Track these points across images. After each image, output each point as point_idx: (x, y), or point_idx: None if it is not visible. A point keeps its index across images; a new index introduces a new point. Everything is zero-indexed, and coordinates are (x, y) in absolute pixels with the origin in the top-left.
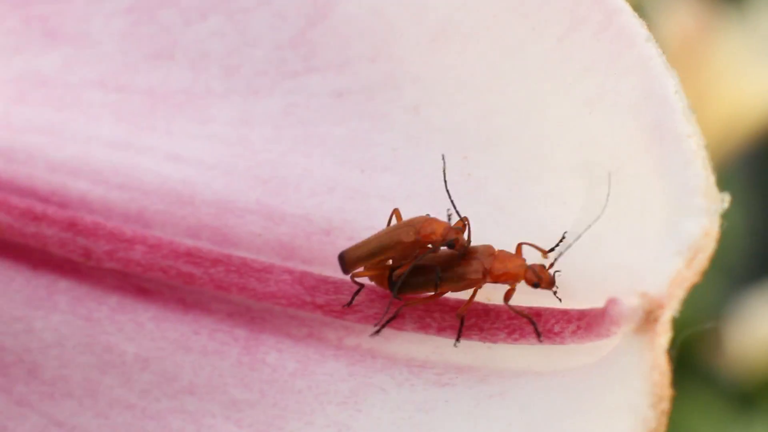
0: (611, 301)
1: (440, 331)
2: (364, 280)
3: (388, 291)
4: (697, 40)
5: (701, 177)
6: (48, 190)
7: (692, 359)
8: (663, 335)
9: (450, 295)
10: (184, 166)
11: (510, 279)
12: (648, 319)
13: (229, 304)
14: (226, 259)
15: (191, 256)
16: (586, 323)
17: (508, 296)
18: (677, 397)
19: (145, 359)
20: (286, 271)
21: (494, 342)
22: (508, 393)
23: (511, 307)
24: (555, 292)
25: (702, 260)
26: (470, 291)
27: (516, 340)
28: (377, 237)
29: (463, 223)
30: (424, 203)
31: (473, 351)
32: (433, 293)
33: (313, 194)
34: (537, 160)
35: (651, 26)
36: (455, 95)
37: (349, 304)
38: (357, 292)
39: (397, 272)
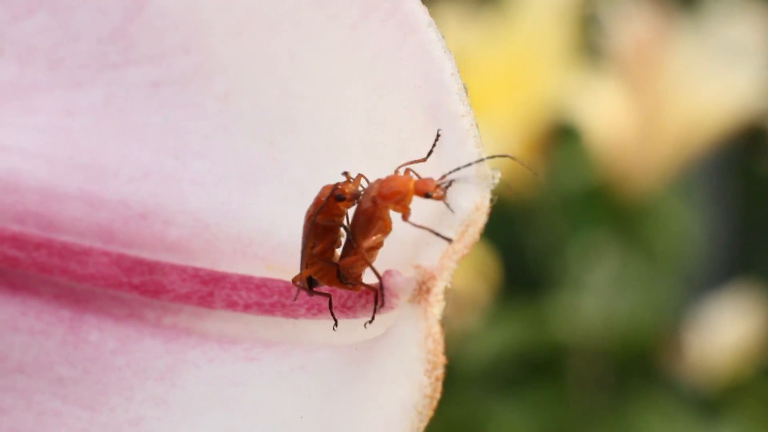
0: (387, 273)
1: (246, 308)
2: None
3: (335, 283)
4: (653, 47)
5: (473, 154)
6: None
7: (654, 366)
8: (436, 305)
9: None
10: (10, 156)
11: (401, 196)
12: (421, 290)
13: (54, 286)
14: (48, 243)
15: (15, 240)
16: (373, 296)
17: (405, 219)
18: (640, 404)
19: None
20: (104, 253)
21: (296, 318)
22: (308, 365)
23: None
24: (447, 205)
25: (473, 234)
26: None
27: (315, 315)
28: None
29: (352, 178)
30: (234, 187)
31: (280, 327)
32: (359, 254)
33: (130, 180)
34: (334, 143)
35: (606, 35)
36: (261, 83)
37: (294, 299)
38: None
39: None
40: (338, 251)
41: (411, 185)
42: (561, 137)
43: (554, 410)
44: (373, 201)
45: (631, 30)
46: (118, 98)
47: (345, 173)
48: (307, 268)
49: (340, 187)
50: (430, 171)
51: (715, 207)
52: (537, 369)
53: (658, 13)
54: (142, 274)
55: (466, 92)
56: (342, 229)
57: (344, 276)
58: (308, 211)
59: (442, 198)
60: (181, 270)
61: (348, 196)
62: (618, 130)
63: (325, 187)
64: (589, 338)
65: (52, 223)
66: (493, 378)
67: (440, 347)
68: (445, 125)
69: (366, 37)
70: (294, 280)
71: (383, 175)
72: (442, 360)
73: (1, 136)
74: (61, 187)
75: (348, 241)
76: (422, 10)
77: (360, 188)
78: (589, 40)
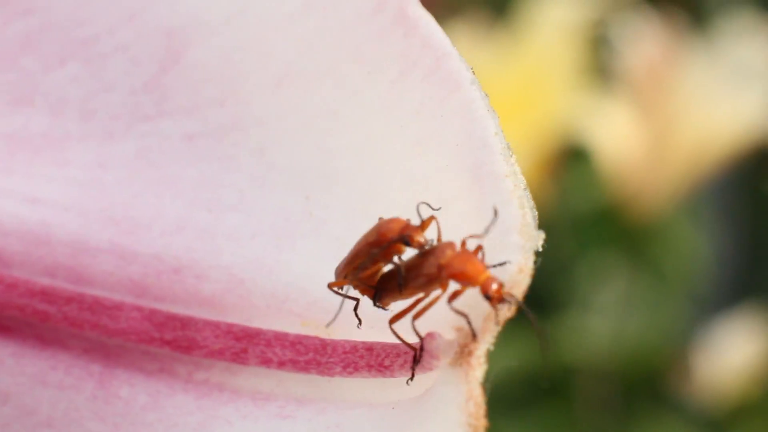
0: (429, 336)
1: (281, 365)
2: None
3: (370, 298)
4: (663, 68)
5: (517, 216)
6: None
7: (662, 387)
8: (478, 368)
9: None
10: (41, 208)
11: (466, 280)
12: (463, 352)
13: (84, 340)
14: (79, 297)
15: (46, 294)
16: (412, 356)
17: (453, 297)
18: (648, 425)
19: (5, 394)
20: (135, 308)
21: (331, 375)
22: (343, 424)
23: (348, 342)
24: (495, 307)
25: (517, 295)
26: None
27: (351, 373)
28: (354, 245)
29: (426, 221)
30: (269, 241)
31: (314, 384)
32: (403, 296)
33: (163, 234)
34: (372, 200)
35: (617, 56)
36: (298, 137)
37: (332, 322)
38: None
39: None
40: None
41: (482, 279)
42: (571, 158)
43: (561, 431)
44: (439, 269)
45: (642, 51)
46: (152, 150)
47: (417, 209)
48: (344, 279)
49: (409, 232)
50: (476, 230)
51: (724, 228)
52: (544, 389)
53: (669, 35)
54: (174, 330)
55: (510, 152)
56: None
57: (378, 299)
58: (368, 238)
59: (495, 303)
60: (215, 326)
61: (415, 245)
62: (628, 151)
63: (392, 221)
64: (597, 359)
65: (83, 277)
66: (501, 398)
67: (481, 410)
68: (489, 186)
69: (407, 93)
70: (330, 285)
71: (456, 240)
72: (483, 423)
73: (33, 188)
74: (92, 241)
75: (395, 276)
76: (465, 68)
77: (427, 239)
78: (600, 61)
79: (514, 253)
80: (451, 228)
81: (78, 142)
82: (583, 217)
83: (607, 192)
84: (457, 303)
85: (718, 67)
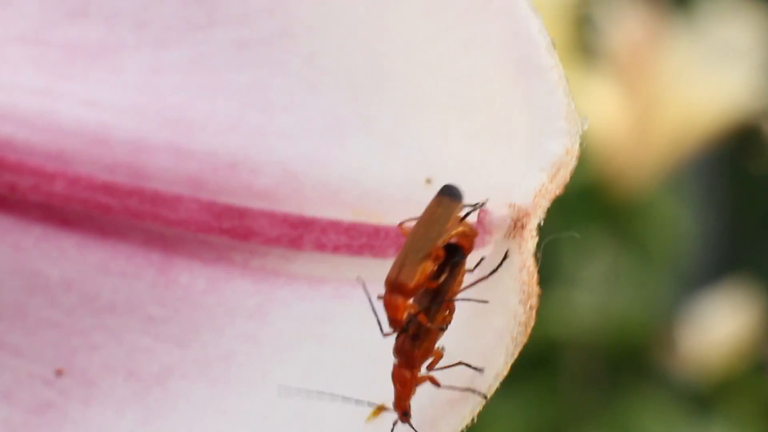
0: (483, 212)
1: (335, 250)
2: None
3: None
4: (647, 47)
5: (562, 103)
6: None
7: (647, 362)
8: (530, 241)
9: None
10: (99, 110)
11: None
12: (516, 226)
13: (144, 231)
14: (139, 190)
15: (108, 188)
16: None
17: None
18: (633, 400)
19: (69, 282)
20: (194, 200)
21: (384, 258)
22: None
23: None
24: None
25: (564, 175)
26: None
27: None
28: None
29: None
30: (320, 138)
31: (367, 267)
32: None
33: (217, 133)
34: (421, 98)
35: (601, 35)
36: (345, 42)
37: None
38: None
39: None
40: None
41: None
42: None
43: (547, 405)
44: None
45: (626, 30)
46: (205, 57)
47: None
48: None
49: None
50: (523, 120)
51: (708, 204)
52: (530, 364)
53: (653, 13)
54: (232, 219)
55: (554, 47)
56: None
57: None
58: (439, 233)
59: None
60: (270, 215)
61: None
62: (612, 128)
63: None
64: (583, 334)
65: (142, 173)
66: None
67: (534, 279)
68: (535, 77)
69: None
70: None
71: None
72: (536, 290)
73: (91, 92)
74: (149, 140)
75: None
76: None
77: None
78: (584, 40)
79: (560, 137)
80: (495, 121)
81: (133, 50)
82: (568, 193)
83: (592, 169)
84: (504, 181)
85: (701, 46)
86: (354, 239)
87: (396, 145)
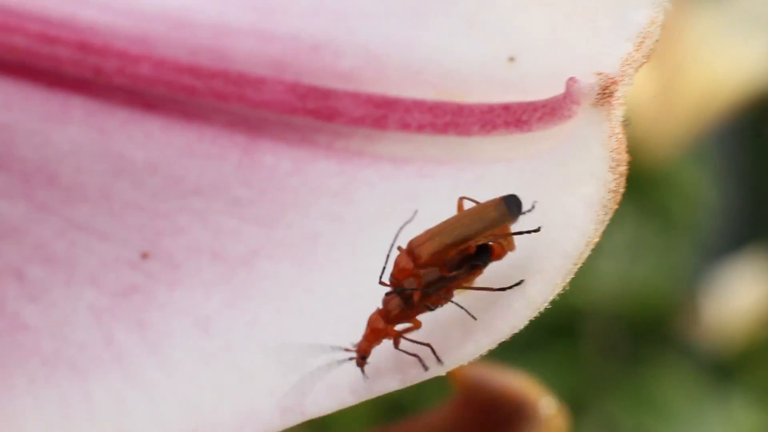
0: (571, 80)
1: (419, 129)
2: None
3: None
4: (671, 17)
5: None
6: (60, 17)
7: (669, 331)
8: (618, 109)
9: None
10: None
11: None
12: (604, 94)
13: (228, 114)
14: (224, 72)
15: (192, 70)
16: (550, 108)
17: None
18: (655, 369)
19: (154, 165)
20: (278, 81)
21: (469, 136)
22: (484, 178)
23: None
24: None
25: (649, 45)
26: None
27: (489, 132)
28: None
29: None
30: (401, 20)
31: (451, 146)
32: None
33: (299, 16)
34: None
35: None
36: None
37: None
38: None
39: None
40: None
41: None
42: None
43: (568, 373)
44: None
45: None
46: None
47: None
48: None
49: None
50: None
51: (730, 174)
52: (553, 333)
53: None
54: (316, 100)
55: None
56: None
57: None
58: (480, 230)
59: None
60: (354, 95)
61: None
62: (636, 98)
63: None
64: (605, 302)
65: (225, 56)
66: (508, 341)
67: (623, 146)
68: None
69: None
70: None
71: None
72: (625, 158)
73: None
74: (232, 23)
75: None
76: None
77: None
78: None
79: (644, 8)
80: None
81: None
82: None
83: None
84: (590, 51)
85: (725, 16)
86: (438, 117)
87: (478, 23)
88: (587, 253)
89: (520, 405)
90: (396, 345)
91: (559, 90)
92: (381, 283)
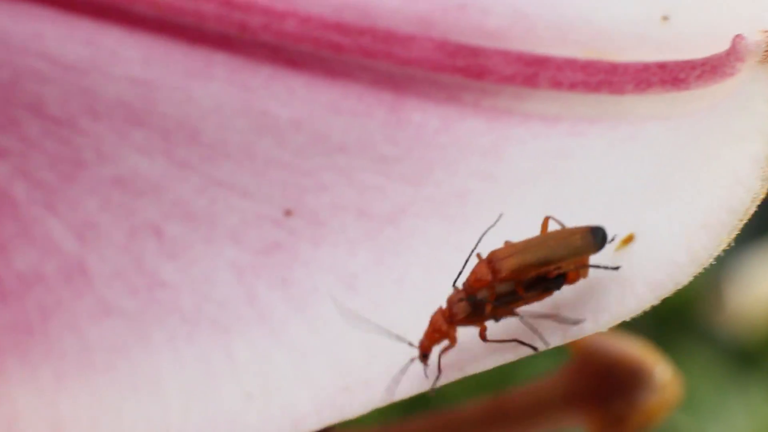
0: (738, 37)
1: (571, 87)
2: None
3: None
4: None
5: None
6: None
7: (692, 318)
8: None
9: None
10: None
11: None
12: None
13: (374, 72)
14: (371, 29)
15: (340, 27)
16: (710, 66)
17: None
18: (676, 356)
19: (298, 122)
20: (427, 39)
21: (622, 94)
22: (638, 135)
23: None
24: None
25: None
26: None
27: (643, 90)
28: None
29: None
30: None
31: (602, 105)
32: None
33: None
34: None
35: None
36: None
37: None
38: None
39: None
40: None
41: None
42: None
43: None
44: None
45: None
46: None
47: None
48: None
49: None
50: None
51: None
52: None
53: None
54: (465, 58)
55: None
56: None
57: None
58: (563, 257)
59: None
60: (505, 53)
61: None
62: None
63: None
64: None
65: (369, 14)
66: None
67: None
68: None
69: None
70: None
71: None
72: None
73: None
74: None
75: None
76: None
77: None
78: None
79: None
80: None
81: None
82: None
83: None
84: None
85: None
86: (591, 76)
87: None
88: (752, 209)
89: (636, 371)
90: (482, 337)
91: (713, 49)
92: (453, 284)
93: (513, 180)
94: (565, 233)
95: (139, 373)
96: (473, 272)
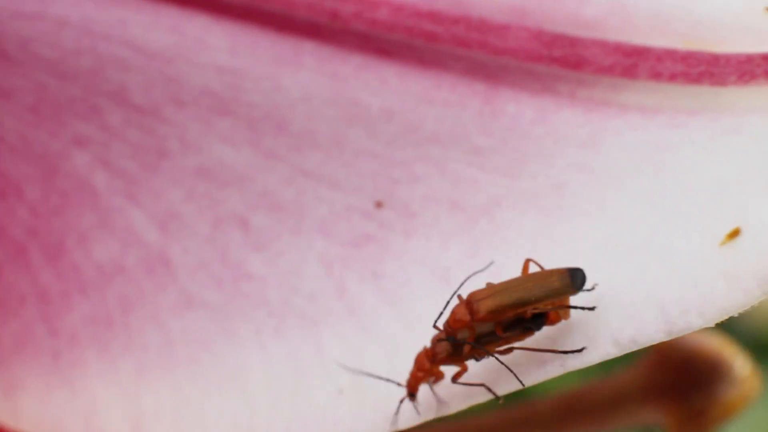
0: None
1: (671, 78)
2: None
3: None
4: None
5: None
6: None
7: None
8: None
9: None
10: None
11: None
12: None
13: (466, 61)
14: (466, 17)
15: (433, 15)
16: None
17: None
18: None
19: (389, 112)
20: (522, 28)
21: (724, 86)
22: (742, 128)
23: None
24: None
25: None
26: None
27: (746, 82)
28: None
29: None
30: None
31: (702, 97)
32: None
33: None
34: None
35: None
36: None
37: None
38: None
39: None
40: None
41: None
42: None
43: None
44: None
45: None
46: None
47: None
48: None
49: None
50: None
51: None
52: None
53: None
54: (562, 48)
55: None
56: None
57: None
58: (540, 298)
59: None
60: (603, 44)
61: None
62: None
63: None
64: None
65: (464, 3)
66: None
67: None
68: None
69: None
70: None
71: None
72: None
73: None
74: None
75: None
76: None
77: None
78: None
79: None
80: None
81: None
82: None
83: None
84: None
85: None
86: (692, 67)
87: None
88: None
89: (715, 365)
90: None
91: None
92: (434, 325)
93: (611, 172)
94: (543, 275)
95: (224, 367)
96: (452, 312)
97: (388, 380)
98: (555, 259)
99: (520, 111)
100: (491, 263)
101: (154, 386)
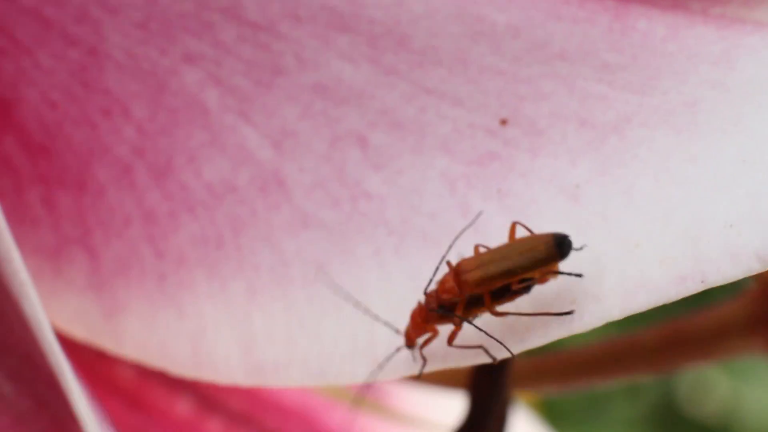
0: None
1: None
2: None
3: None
4: None
5: None
6: None
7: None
8: None
9: None
10: None
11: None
12: None
13: None
14: None
15: None
16: None
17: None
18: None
19: (516, 28)
20: None
21: None
22: None
23: None
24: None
25: None
26: None
27: None
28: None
29: None
30: None
31: None
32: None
33: None
34: None
35: None
36: None
37: None
38: None
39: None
40: None
41: None
42: None
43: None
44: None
45: None
46: None
47: None
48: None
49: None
50: None
51: None
52: None
53: None
54: None
55: None
56: None
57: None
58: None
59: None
60: None
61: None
62: None
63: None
64: None
65: None
66: None
67: None
68: None
69: None
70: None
71: None
72: None
73: None
74: None
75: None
76: None
77: None
78: None
79: None
80: None
81: None
82: None
83: None
84: None
85: None
86: None
87: None
88: None
89: None
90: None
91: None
92: (425, 289)
93: (746, 89)
94: (529, 242)
95: (342, 288)
96: (441, 282)
97: (386, 324)
98: (692, 180)
99: (652, 27)
100: (480, 213)
101: (268, 307)
